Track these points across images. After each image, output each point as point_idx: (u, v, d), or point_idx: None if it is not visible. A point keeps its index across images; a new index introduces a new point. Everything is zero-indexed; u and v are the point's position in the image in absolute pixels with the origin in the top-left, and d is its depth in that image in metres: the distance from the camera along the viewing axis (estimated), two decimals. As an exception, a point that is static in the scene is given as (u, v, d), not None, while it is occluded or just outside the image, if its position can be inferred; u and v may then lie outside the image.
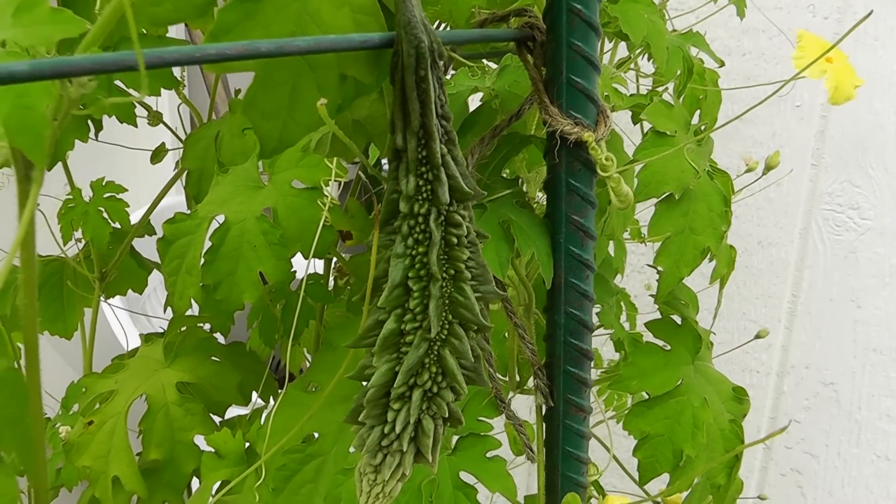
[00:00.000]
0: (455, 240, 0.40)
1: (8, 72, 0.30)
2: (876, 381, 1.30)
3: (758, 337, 0.93)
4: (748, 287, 1.40)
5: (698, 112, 0.93)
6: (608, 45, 0.79)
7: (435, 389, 0.42)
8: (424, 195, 0.39)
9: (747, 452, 1.42)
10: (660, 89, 0.78)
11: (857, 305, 1.30)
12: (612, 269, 0.87)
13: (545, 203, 0.52)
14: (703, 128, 0.95)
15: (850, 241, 1.30)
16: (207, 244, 0.80)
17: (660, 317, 0.76)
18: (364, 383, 0.42)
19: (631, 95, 0.65)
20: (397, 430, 0.41)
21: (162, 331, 1.01)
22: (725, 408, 0.73)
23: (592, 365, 0.57)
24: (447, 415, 0.42)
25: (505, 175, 0.54)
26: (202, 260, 0.80)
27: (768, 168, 0.91)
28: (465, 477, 0.59)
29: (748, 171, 0.95)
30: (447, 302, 0.41)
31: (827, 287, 1.32)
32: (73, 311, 1.03)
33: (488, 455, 0.59)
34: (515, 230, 0.50)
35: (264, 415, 0.91)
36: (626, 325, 0.96)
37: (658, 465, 0.69)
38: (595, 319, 0.87)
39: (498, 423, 0.65)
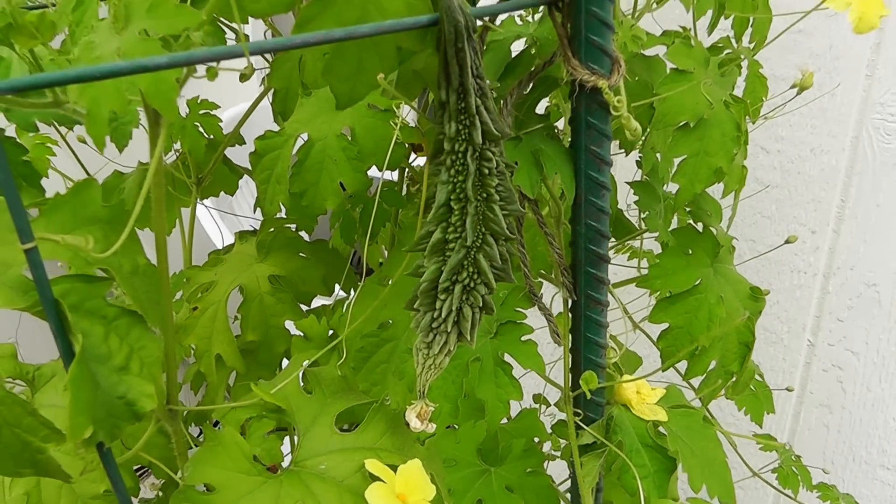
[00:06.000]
0: (487, 171, 0.52)
1: (153, 63, 0.42)
2: (916, 284, 1.38)
3: (787, 242, 1.03)
4: (799, 192, 1.47)
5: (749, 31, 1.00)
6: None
7: (472, 285, 0.54)
8: (463, 137, 0.51)
9: (793, 349, 1.52)
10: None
11: (902, 211, 1.37)
12: (659, 178, 0.96)
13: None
14: (752, 45, 1.03)
15: (899, 149, 1.35)
16: (294, 158, 0.92)
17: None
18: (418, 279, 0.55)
19: (661, 34, 0.74)
20: (443, 315, 0.54)
21: (251, 228, 1.15)
22: (742, 305, 0.83)
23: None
24: (482, 305, 0.55)
25: (537, 112, 0.65)
26: (290, 171, 0.92)
27: (802, 89, 0.99)
28: (506, 358, 0.72)
29: (799, 87, 1.01)
30: (480, 218, 0.53)
31: (874, 193, 1.38)
32: (171, 211, 1.16)
33: (523, 339, 0.72)
34: (544, 158, 0.61)
35: (346, 305, 1.04)
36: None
37: (677, 353, 0.81)
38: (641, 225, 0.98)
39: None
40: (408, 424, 0.60)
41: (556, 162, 0.61)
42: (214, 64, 0.48)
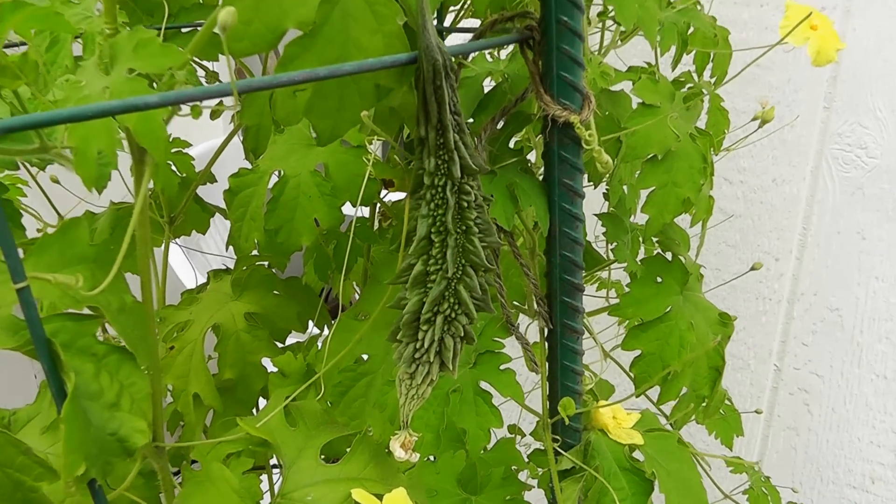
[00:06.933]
0: (465, 204, 0.53)
1: (144, 102, 0.43)
2: (877, 307, 1.40)
3: (752, 269, 1.05)
4: (762, 221, 1.50)
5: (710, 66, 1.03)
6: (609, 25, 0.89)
7: (453, 315, 0.56)
8: (442, 171, 0.53)
9: (760, 374, 1.55)
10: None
11: (862, 237, 1.39)
12: (626, 210, 0.98)
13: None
14: (713, 80, 1.06)
15: (858, 178, 1.38)
16: (268, 195, 0.93)
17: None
18: (400, 311, 0.56)
19: (627, 70, 0.77)
20: (426, 345, 0.56)
21: (223, 266, 1.15)
22: (711, 330, 0.85)
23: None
24: (463, 335, 0.57)
25: (511, 146, 0.67)
26: (264, 208, 0.93)
27: (763, 122, 1.02)
28: (484, 386, 0.73)
29: (761, 121, 1.04)
30: (461, 250, 0.54)
31: (835, 221, 1.41)
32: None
33: (501, 368, 0.73)
34: (519, 191, 0.63)
35: (321, 340, 1.05)
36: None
37: (650, 379, 0.82)
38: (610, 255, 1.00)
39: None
40: (392, 454, 0.61)
41: (531, 195, 0.63)
42: (199, 102, 0.49)
